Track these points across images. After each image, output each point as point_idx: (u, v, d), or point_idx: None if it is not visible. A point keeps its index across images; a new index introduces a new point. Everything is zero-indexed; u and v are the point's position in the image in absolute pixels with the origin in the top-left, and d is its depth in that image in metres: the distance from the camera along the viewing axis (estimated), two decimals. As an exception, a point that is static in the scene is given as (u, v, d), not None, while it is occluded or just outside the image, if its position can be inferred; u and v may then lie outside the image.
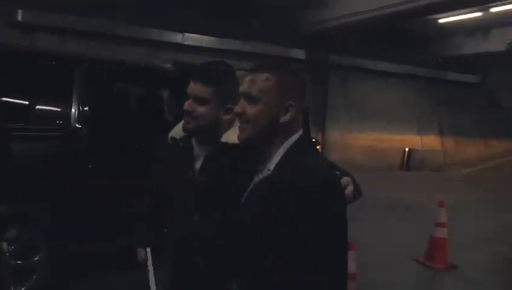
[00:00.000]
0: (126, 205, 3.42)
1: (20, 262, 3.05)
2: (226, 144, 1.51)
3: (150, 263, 1.77)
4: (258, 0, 9.23)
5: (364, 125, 11.56)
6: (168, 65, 4.15)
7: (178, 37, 9.57)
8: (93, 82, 3.42)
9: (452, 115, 13.40)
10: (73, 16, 7.98)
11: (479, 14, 9.59)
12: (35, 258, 3.13)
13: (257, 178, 1.31)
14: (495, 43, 11.19)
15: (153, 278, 1.74)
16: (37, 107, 3.23)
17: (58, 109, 3.34)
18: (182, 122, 1.64)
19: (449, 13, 9.81)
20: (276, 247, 1.19)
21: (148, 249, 1.79)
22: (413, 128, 12.77)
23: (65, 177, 3.15)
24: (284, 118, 1.26)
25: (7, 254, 2.89)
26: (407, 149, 12.27)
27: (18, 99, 3.24)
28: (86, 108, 3.31)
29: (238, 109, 1.29)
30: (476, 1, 8.43)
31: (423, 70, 12.90)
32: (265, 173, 1.28)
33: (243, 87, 1.29)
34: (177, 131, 1.64)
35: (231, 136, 1.52)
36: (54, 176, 3.11)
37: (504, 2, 8.53)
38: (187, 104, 1.49)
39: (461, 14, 9.71)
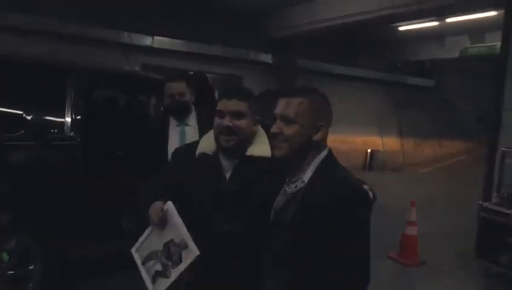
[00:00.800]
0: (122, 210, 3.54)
1: (12, 272, 3.05)
2: (251, 156, 1.68)
3: (176, 215, 1.68)
4: (227, 5, 9.32)
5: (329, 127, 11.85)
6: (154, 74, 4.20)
7: (147, 40, 9.53)
8: (85, 90, 3.48)
9: (410, 117, 14.07)
10: (43, 17, 7.79)
11: (435, 23, 10.11)
12: (30, 267, 3.16)
13: (290, 189, 1.51)
14: (449, 50, 11.88)
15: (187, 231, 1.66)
16: (31, 116, 3.23)
17: (52, 118, 3.35)
18: (207, 137, 1.80)
19: (408, 22, 10.28)
20: (315, 250, 1.39)
21: (169, 203, 1.70)
22: (375, 130, 13.26)
23: (61, 186, 3.20)
24: (316, 137, 1.48)
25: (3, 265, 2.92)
26: (369, 150, 12.73)
27: (11, 108, 3.25)
28: (79, 116, 3.37)
29: (275, 129, 1.49)
30: (432, 12, 8.88)
31: (383, 75, 13.47)
32: (300, 184, 1.48)
33: (279, 110, 1.49)
34: (207, 147, 1.78)
35: (255, 150, 1.74)
36: (50, 185, 3.15)
37: (457, 14, 9.09)
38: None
39: (419, 22, 10.19)
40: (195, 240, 1.63)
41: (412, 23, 10.38)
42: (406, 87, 14.21)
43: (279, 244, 1.50)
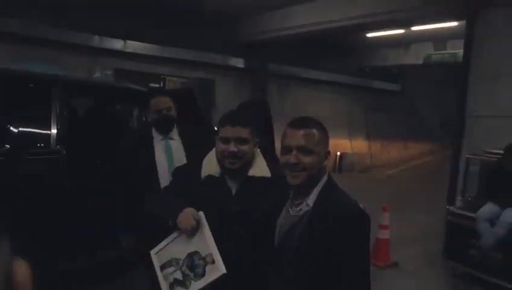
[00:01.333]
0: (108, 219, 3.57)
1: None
2: (253, 177, 1.82)
3: (207, 228, 1.70)
4: (200, 10, 9.35)
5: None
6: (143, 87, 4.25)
7: (119, 44, 9.45)
8: (69, 103, 3.50)
9: (378, 120, 14.53)
10: (13, 19, 7.60)
11: (401, 31, 10.52)
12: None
13: (293, 212, 1.65)
14: (414, 57, 12.36)
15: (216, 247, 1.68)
16: (18, 129, 3.22)
17: (38, 131, 3.35)
18: (209, 158, 1.92)
19: (376, 30, 10.64)
20: (321, 269, 1.53)
21: (202, 213, 1.74)
22: (344, 133, 13.59)
23: (49, 199, 3.21)
24: (325, 163, 1.63)
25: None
26: (338, 153, 13.04)
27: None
28: (64, 129, 3.38)
29: (294, 160, 1.59)
30: (399, 22, 9.22)
31: (353, 79, 13.84)
32: (305, 207, 1.62)
33: (297, 142, 1.59)
34: (213, 169, 1.89)
35: (256, 171, 1.88)
36: (38, 198, 3.16)
37: (422, 23, 9.49)
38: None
39: (387, 30, 10.57)
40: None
41: (380, 31, 10.74)
42: (373, 91, 14.64)
43: (286, 264, 1.63)
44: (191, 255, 1.72)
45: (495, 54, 6.02)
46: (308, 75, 12.72)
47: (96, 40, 9.09)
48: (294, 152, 1.59)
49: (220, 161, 1.85)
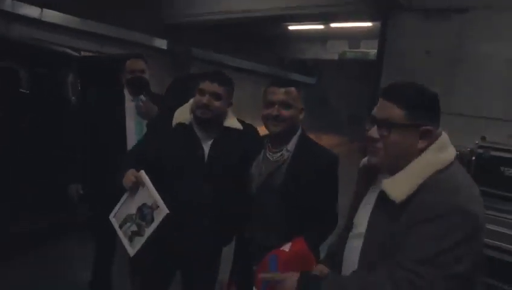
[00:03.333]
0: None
1: None
2: (228, 128, 2.05)
3: (147, 181, 1.92)
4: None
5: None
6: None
7: (35, 12, 8.84)
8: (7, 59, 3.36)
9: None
10: None
11: (321, 26, 11.18)
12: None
13: (275, 158, 1.93)
14: (330, 53, 13.19)
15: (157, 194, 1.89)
16: None
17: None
18: (182, 109, 2.10)
19: (297, 23, 11.17)
20: (302, 205, 1.85)
21: (142, 171, 1.94)
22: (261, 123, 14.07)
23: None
24: (300, 116, 1.97)
25: None
26: (255, 141, 13.44)
27: None
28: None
29: (275, 112, 1.91)
30: (319, 16, 9.79)
31: (272, 69, 14.34)
32: (286, 153, 1.91)
33: (280, 98, 1.90)
34: (183, 117, 2.08)
35: (229, 123, 2.13)
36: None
37: (340, 20, 10.19)
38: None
39: (306, 24, 11.16)
40: (171, 201, 1.89)
41: (300, 24, 11.31)
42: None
43: (270, 204, 1.88)
44: (140, 208, 1.95)
45: (405, 53, 6.75)
46: (230, 62, 12.93)
47: (6, 4, 8.44)
48: (276, 106, 1.85)
49: (194, 111, 2.03)
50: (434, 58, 6.46)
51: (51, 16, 9.00)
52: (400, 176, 1.31)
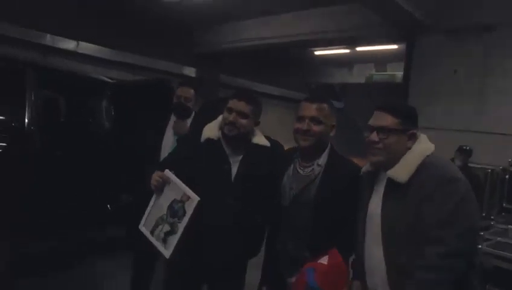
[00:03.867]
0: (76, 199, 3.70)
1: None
2: (257, 144, 2.12)
3: (173, 177, 1.96)
4: (155, 17, 9.48)
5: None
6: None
7: (71, 45, 9.33)
8: (43, 88, 3.58)
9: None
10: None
11: (346, 51, 11.26)
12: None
13: (305, 173, 1.99)
14: (357, 76, 13.21)
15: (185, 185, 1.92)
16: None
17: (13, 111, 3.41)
18: (210, 125, 2.19)
19: (323, 48, 11.30)
20: (332, 218, 1.91)
21: (166, 170, 2.01)
22: (291, 145, 14.09)
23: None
24: (331, 133, 2.05)
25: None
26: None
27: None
28: (37, 112, 3.46)
29: (305, 127, 1.96)
30: (345, 41, 9.89)
31: (298, 94, 14.44)
32: (317, 168, 1.97)
33: (311, 113, 1.97)
34: (212, 133, 2.15)
35: (257, 140, 2.19)
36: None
37: (365, 44, 10.25)
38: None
39: (333, 49, 11.26)
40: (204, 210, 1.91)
41: (326, 49, 11.43)
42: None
43: (302, 217, 1.93)
44: (170, 205, 1.96)
45: (431, 73, 6.73)
46: (256, 88, 13.10)
47: (46, 39, 8.94)
48: (307, 121, 1.93)
49: (222, 127, 2.11)
50: (462, 77, 6.41)
51: (86, 48, 9.48)
52: (400, 164, 1.70)
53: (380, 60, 12.03)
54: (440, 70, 6.64)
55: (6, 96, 3.37)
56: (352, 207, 1.89)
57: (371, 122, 1.75)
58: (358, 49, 10.83)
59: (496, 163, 5.16)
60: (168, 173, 1.99)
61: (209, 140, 2.16)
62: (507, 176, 4.62)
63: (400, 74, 10.66)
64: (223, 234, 2.08)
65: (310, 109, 1.96)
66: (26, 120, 3.37)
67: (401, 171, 1.68)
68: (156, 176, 2.01)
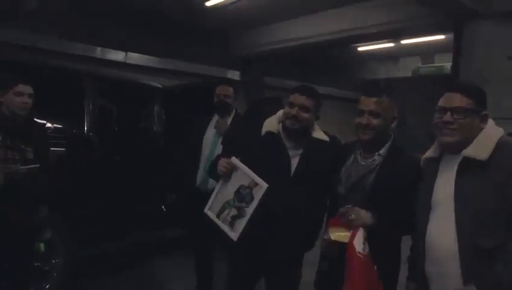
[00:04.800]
0: (132, 206, 3.87)
1: (38, 264, 3.26)
2: (317, 139, 2.17)
3: (241, 164, 2.05)
4: (197, 23, 9.71)
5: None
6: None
7: (120, 56, 9.74)
8: (100, 96, 3.79)
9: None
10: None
11: (391, 44, 11.02)
12: (54, 261, 3.37)
13: (367, 163, 2.03)
14: (403, 70, 12.89)
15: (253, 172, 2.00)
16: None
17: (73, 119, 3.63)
18: (270, 120, 2.26)
19: (367, 43, 11.12)
20: (389, 206, 1.90)
21: (233, 157, 2.09)
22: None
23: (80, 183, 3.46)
24: (392, 125, 2.07)
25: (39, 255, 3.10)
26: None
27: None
28: (95, 119, 3.67)
29: (364, 121, 2.01)
30: (388, 34, 9.69)
31: (343, 92, 14.29)
32: (378, 158, 2.01)
33: (369, 107, 2.02)
34: (272, 126, 2.23)
35: (317, 135, 2.27)
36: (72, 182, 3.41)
37: (410, 36, 9.97)
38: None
39: (376, 43, 11.06)
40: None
41: (369, 44, 11.24)
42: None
43: (358, 205, 1.95)
44: (237, 191, 2.05)
45: (482, 61, 6.47)
46: (301, 88, 13.09)
47: (97, 51, 9.39)
48: (366, 115, 1.96)
49: (283, 121, 2.17)
50: (516, 63, 6.13)
51: (135, 58, 9.87)
52: (476, 143, 1.68)
53: (426, 51, 11.69)
54: (492, 58, 6.37)
55: (67, 105, 3.59)
56: (409, 196, 1.87)
57: (444, 103, 1.74)
58: (403, 42, 10.59)
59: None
60: (234, 160, 2.07)
61: (269, 133, 2.22)
62: None
63: (448, 65, 10.30)
64: (280, 227, 2.12)
65: (369, 103, 2.00)
66: (86, 127, 3.57)
67: (480, 149, 1.65)
68: (224, 163, 2.09)
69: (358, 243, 1.82)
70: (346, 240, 1.87)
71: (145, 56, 10.07)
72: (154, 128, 4.36)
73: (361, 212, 1.87)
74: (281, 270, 2.28)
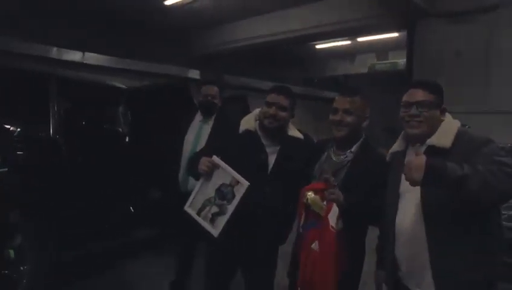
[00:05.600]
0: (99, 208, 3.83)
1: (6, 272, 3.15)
2: (292, 137, 2.25)
3: (222, 163, 2.10)
4: (156, 23, 9.60)
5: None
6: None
7: (77, 56, 9.49)
8: (65, 98, 3.71)
9: (327, 128, 15.25)
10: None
11: (348, 42, 11.35)
12: (23, 268, 3.26)
13: (339, 160, 2.13)
14: (359, 67, 13.29)
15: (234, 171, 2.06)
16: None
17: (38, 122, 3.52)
18: (247, 118, 2.33)
19: (324, 41, 11.38)
20: (361, 200, 1.99)
21: (214, 156, 2.14)
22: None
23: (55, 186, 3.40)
24: (364, 124, 2.16)
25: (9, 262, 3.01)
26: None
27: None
28: (61, 121, 3.59)
29: (338, 118, 2.10)
30: (345, 32, 9.97)
31: (302, 89, 14.55)
32: (350, 155, 2.11)
33: (343, 105, 2.10)
34: (249, 124, 2.31)
35: (293, 133, 2.34)
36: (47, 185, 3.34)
37: (367, 34, 10.32)
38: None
39: (334, 41, 11.34)
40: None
41: (327, 42, 11.51)
42: (323, 100, 15.43)
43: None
44: (218, 189, 2.11)
45: (434, 57, 6.82)
46: (260, 85, 13.20)
47: (53, 52, 9.11)
48: (340, 112, 2.07)
49: (261, 120, 2.25)
50: (465, 59, 6.49)
51: (93, 58, 9.64)
52: (439, 133, 1.83)
53: (381, 49, 12.10)
54: (443, 54, 6.73)
55: (32, 107, 3.50)
56: (378, 191, 1.98)
57: (409, 98, 1.87)
58: (360, 39, 10.92)
59: (503, 141, 5.23)
60: (216, 159, 2.12)
61: (246, 132, 2.30)
62: (516, 153, 4.65)
63: (401, 61, 10.73)
64: (258, 221, 2.20)
65: (343, 102, 2.10)
66: (51, 129, 3.50)
67: (443, 138, 1.79)
68: (205, 161, 2.14)
69: (332, 217, 1.94)
70: (322, 212, 1.97)
71: (104, 56, 9.87)
72: (120, 130, 4.30)
73: (337, 190, 1.97)
74: (258, 263, 2.35)
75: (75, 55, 9.47)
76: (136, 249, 4.68)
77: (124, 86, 4.43)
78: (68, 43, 9.16)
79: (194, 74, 11.71)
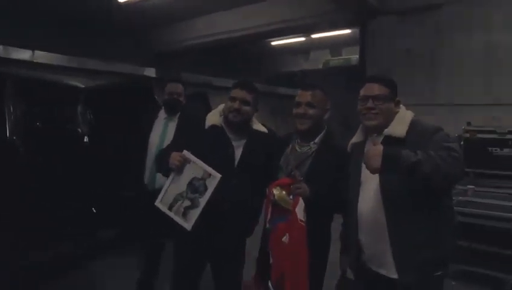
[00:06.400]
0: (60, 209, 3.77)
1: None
2: (257, 130, 2.32)
3: (193, 157, 2.15)
4: (109, 20, 9.41)
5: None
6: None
7: (27, 54, 9.13)
8: (21, 98, 3.62)
9: (285, 123, 15.53)
10: None
11: (302, 39, 11.57)
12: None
13: (303, 151, 2.24)
14: (314, 63, 13.58)
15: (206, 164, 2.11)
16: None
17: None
18: (212, 113, 2.36)
19: (279, 38, 11.55)
20: (326, 188, 2.10)
21: (185, 151, 2.19)
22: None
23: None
24: (325, 116, 2.28)
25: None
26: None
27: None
28: (17, 122, 3.50)
29: (301, 111, 2.22)
30: (300, 29, 10.14)
31: (259, 86, 14.63)
32: (313, 146, 2.22)
33: (306, 99, 2.22)
34: (215, 119, 2.36)
35: (258, 127, 2.43)
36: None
37: (321, 30, 10.55)
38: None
39: (289, 38, 11.53)
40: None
41: (282, 39, 11.69)
42: (278, 96, 15.64)
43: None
44: (190, 183, 2.15)
45: (385, 54, 7.12)
46: (218, 82, 13.24)
47: (1, 50, 8.72)
48: (303, 106, 2.16)
49: (226, 115, 2.30)
50: (414, 55, 6.82)
51: (42, 56, 9.29)
52: (394, 123, 1.97)
53: (334, 45, 12.43)
54: (393, 50, 7.03)
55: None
56: (340, 179, 2.12)
57: (366, 92, 2.00)
58: (314, 36, 11.15)
59: (450, 132, 5.55)
60: (187, 153, 2.16)
61: (212, 127, 2.34)
62: (462, 143, 4.95)
63: (354, 57, 11.09)
64: (225, 214, 2.27)
65: (305, 96, 2.21)
66: (8, 131, 3.41)
67: (398, 128, 1.94)
68: (176, 156, 2.18)
69: (300, 210, 2.04)
70: (289, 207, 2.07)
71: (55, 54, 9.53)
72: (79, 130, 4.23)
73: (303, 184, 2.09)
74: (226, 255, 2.42)
75: (24, 54, 9.09)
76: (99, 249, 4.62)
77: (81, 85, 4.36)
78: (17, 41, 8.77)
79: (150, 72, 11.54)
